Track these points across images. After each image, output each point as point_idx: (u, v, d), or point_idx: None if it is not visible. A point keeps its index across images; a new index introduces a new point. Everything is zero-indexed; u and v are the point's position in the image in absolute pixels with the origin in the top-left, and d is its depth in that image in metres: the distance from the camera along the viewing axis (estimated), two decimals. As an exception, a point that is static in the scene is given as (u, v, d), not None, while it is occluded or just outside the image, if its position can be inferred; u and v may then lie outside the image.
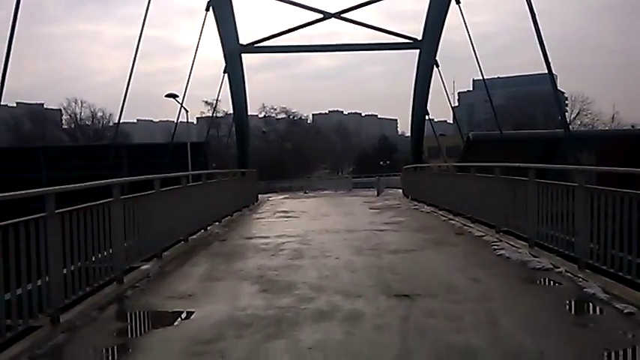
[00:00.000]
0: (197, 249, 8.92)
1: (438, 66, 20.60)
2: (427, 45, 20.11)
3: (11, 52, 14.14)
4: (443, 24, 19.24)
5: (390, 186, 31.18)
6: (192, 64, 18.25)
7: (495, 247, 8.25)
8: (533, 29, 14.39)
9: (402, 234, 10.31)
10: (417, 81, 21.11)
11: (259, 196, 25.11)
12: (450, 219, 12.10)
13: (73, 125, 72.36)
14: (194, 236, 9.97)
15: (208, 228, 11.01)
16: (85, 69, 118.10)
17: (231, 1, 18.76)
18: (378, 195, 24.97)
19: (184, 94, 21.16)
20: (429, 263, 7.44)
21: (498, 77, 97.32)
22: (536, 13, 14.16)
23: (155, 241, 7.75)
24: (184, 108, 27.27)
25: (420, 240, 9.30)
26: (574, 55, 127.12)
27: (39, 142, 51.98)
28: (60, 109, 73.77)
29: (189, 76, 20.07)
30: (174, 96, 25.38)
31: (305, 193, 34.00)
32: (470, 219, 11.10)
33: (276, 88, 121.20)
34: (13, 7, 13.98)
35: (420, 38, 20.33)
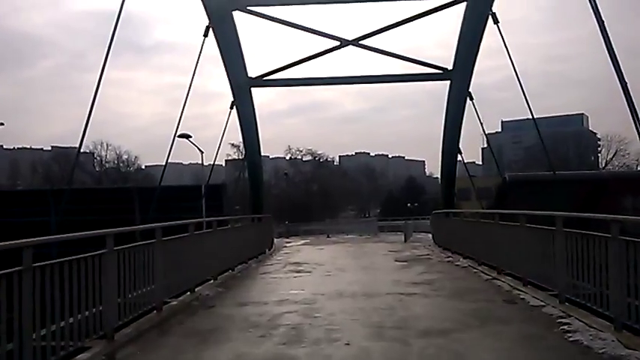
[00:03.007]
0: (170, 323, 6.93)
1: (472, 98, 18.37)
2: (459, 75, 18.00)
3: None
4: (477, 49, 17.10)
5: (419, 230, 28.98)
6: (186, 98, 16.59)
7: (565, 327, 6.05)
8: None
9: (435, 301, 8.15)
10: (447, 116, 18.92)
11: (277, 241, 23.28)
12: (494, 278, 9.88)
13: (100, 169, 72.35)
14: (173, 302, 8.01)
15: (197, 289, 9.02)
16: (119, 115, 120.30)
17: (235, 28, 17.07)
18: (405, 241, 22.77)
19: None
20: (477, 356, 5.29)
21: (528, 118, 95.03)
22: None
23: (107, 316, 5.82)
24: (200, 149, 25.88)
25: (458, 312, 7.14)
26: (607, 96, 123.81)
27: (58, 186, 51.51)
28: (90, 153, 73.92)
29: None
30: (187, 136, 23.85)
31: (328, 237, 32.04)
32: (521, 280, 8.88)
33: (303, 132, 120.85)
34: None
35: (450, 68, 18.26)
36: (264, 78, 18.55)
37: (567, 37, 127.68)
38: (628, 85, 11.50)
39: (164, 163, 20.74)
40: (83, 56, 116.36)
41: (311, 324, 6.54)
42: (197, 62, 16.39)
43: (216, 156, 20.46)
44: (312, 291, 9.01)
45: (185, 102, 16.49)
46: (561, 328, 6.04)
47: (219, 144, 19.63)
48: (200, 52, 16.60)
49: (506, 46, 15.68)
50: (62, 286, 5.18)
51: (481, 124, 19.13)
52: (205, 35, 16.91)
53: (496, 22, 15.77)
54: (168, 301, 8.04)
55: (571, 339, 5.62)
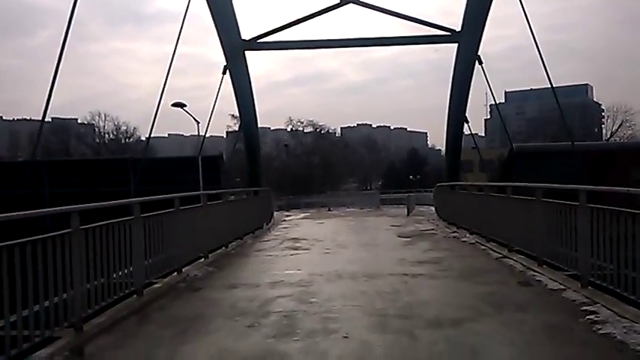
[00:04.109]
0: (150, 308, 6.26)
1: (481, 62, 17.08)
2: (467, 37, 16.79)
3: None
4: (489, 8, 15.85)
5: (421, 202, 28.30)
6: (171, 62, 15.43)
7: (592, 316, 5.34)
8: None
9: (443, 283, 7.45)
10: (454, 82, 17.76)
11: (276, 214, 22.59)
12: (505, 256, 9.18)
13: (100, 140, 71.53)
14: (157, 284, 7.33)
15: (185, 269, 8.34)
16: (120, 85, 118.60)
17: None
18: (408, 215, 22.09)
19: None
20: (495, 354, 4.60)
21: (531, 89, 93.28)
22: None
23: (73, 304, 5.13)
24: (195, 119, 24.99)
25: (469, 297, 6.44)
26: (614, 66, 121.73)
27: (55, 157, 50.66)
28: (90, 124, 72.82)
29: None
30: (181, 105, 23.00)
31: (329, 210, 31.42)
32: (535, 260, 8.18)
33: (305, 103, 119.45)
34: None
35: (458, 29, 17.07)
36: (259, 40, 17.39)
37: (571, 5, 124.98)
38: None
39: (149, 134, 19.87)
40: (83, 24, 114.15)
41: (306, 311, 5.84)
42: (182, 23, 15.24)
43: (208, 125, 19.51)
44: (309, 271, 8.32)
45: (170, 67, 15.45)
46: (587, 317, 5.34)
47: (211, 112, 18.57)
48: (186, 10, 15.44)
49: (523, 8, 14.55)
50: (24, 269, 4.51)
51: (490, 90, 18.07)
52: None
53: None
54: (154, 282, 7.40)
55: (601, 331, 4.93)
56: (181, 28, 15.21)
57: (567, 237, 7.16)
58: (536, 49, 14.91)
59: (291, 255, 10.39)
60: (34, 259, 4.60)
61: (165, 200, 8.30)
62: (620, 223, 5.71)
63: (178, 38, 15.21)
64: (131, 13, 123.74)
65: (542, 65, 15.07)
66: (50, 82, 12.71)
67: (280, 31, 17.07)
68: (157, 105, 15.74)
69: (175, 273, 8.03)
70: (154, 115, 16.03)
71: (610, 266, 6.08)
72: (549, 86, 16.76)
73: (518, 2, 14.91)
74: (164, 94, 15.89)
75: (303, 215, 24.56)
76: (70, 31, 12.06)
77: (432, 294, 6.68)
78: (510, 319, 5.52)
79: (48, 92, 12.88)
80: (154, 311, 6.16)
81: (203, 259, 9.41)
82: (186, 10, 15.21)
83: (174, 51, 15.41)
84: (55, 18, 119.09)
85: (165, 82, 15.32)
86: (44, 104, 12.96)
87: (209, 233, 9.96)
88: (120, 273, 6.26)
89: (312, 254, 10.51)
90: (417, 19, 17.36)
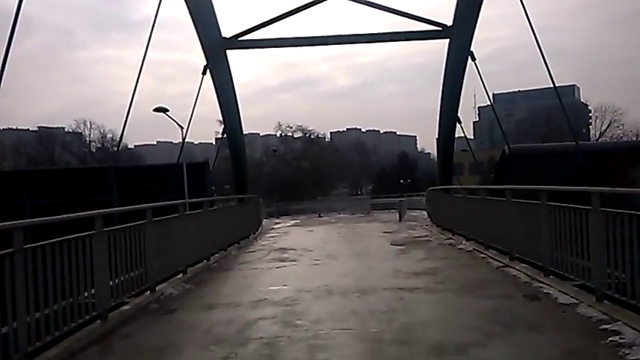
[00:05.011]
0: (114, 337, 5.51)
1: (474, 59, 16.28)
2: (459, 32, 16.06)
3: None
4: (481, 1, 15.26)
5: (413, 207, 27.70)
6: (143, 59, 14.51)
7: (615, 337, 4.69)
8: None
9: (442, 298, 6.76)
10: (445, 80, 17.00)
11: (265, 222, 21.86)
12: (507, 265, 8.54)
13: (86, 149, 70.34)
14: (126, 306, 6.59)
15: (159, 287, 7.60)
16: (109, 93, 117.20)
17: None
18: (400, 220, 21.44)
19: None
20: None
21: (519, 90, 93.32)
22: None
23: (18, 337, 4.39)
24: (179, 125, 24.21)
25: (473, 315, 5.76)
26: (602, 68, 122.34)
27: (41, 166, 49.44)
28: (76, 133, 71.58)
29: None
30: (164, 110, 22.22)
31: (319, 216, 30.80)
32: (540, 269, 7.54)
33: (294, 108, 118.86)
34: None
35: (449, 24, 16.34)
36: (241, 38, 16.52)
37: (558, 8, 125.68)
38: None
39: (119, 140, 19.07)
40: (71, 34, 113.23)
41: (290, 337, 5.13)
42: (155, 17, 14.43)
43: (187, 129, 18.67)
44: (295, 286, 7.61)
45: (140, 70, 14.66)
46: (610, 339, 4.68)
47: (191, 115, 17.79)
48: (158, 5, 14.58)
49: (524, 7, 13.92)
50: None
51: (484, 86, 17.23)
52: None
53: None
54: (126, 301, 6.68)
55: (629, 357, 4.27)
56: (153, 25, 14.37)
57: (577, 244, 6.52)
58: (537, 47, 14.30)
59: (278, 268, 9.67)
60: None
61: (139, 211, 7.58)
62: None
63: (150, 38, 14.41)
64: (119, 20, 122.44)
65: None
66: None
67: (263, 27, 16.22)
68: (127, 109, 14.88)
69: (148, 292, 7.30)
70: (124, 119, 15.20)
71: (625, 276, 5.45)
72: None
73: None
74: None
75: (292, 222, 23.87)
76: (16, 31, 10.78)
77: (431, 312, 5.99)
78: (523, 341, 4.85)
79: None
80: (118, 339, 5.43)
81: (181, 275, 8.68)
82: (158, 7, 14.41)
83: (145, 53, 14.61)
84: (41, 27, 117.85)
85: (136, 85, 14.55)
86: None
87: (188, 246, 9.23)
88: (80, 296, 5.51)
89: (300, 266, 9.79)
90: (406, 13, 16.53)
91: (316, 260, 10.35)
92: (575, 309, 5.76)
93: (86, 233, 5.71)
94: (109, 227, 6.43)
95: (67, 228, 5.44)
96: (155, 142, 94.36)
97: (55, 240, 5.03)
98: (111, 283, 6.21)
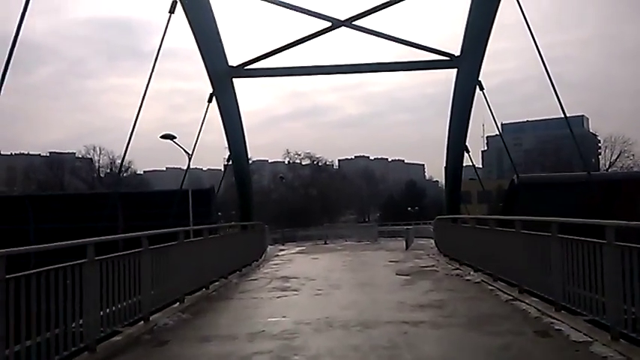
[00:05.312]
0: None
1: (482, 88, 16.08)
2: (467, 61, 15.99)
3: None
4: (489, 31, 15.11)
5: (420, 235, 27.32)
6: (149, 81, 14.54)
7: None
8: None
9: (449, 333, 6.43)
10: (453, 110, 16.87)
11: (270, 248, 21.58)
12: (516, 299, 8.19)
13: (95, 175, 70.66)
14: (117, 337, 6.31)
15: (153, 317, 7.33)
16: (120, 120, 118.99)
17: (210, 5, 14.96)
18: (407, 248, 21.09)
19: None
20: None
21: (527, 120, 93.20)
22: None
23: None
24: (186, 151, 24.18)
25: (481, 353, 5.44)
26: (611, 99, 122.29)
27: (49, 191, 49.56)
28: (86, 158, 72.06)
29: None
30: (171, 137, 22.19)
31: (325, 243, 30.45)
32: (551, 304, 7.20)
33: (303, 137, 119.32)
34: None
35: (457, 54, 16.28)
36: (247, 67, 16.50)
37: (565, 40, 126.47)
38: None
39: (120, 165, 18.98)
40: (83, 63, 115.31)
41: (285, 375, 4.84)
42: (162, 40, 14.26)
43: (191, 155, 18.48)
44: (295, 318, 7.31)
45: (143, 98, 14.56)
46: (628, 382, 4.35)
47: (196, 141, 17.57)
48: (165, 29, 14.21)
49: (533, 38, 13.82)
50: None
51: (493, 115, 16.85)
52: (171, 12, 14.01)
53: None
54: (118, 330, 6.41)
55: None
56: (158, 52, 14.30)
57: (591, 279, 6.21)
58: (546, 77, 14.07)
59: (278, 297, 9.37)
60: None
61: (135, 239, 7.37)
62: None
63: (154, 65, 14.30)
64: (130, 50, 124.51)
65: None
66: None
67: (270, 56, 16.21)
68: (129, 134, 14.76)
69: (142, 322, 7.03)
70: (126, 143, 15.02)
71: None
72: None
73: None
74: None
75: (297, 249, 23.56)
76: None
77: (436, 349, 5.67)
78: (533, 384, 4.53)
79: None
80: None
81: (178, 304, 8.40)
82: (166, 27, 14.25)
83: (149, 80, 14.47)
84: (53, 55, 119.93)
85: (139, 112, 14.44)
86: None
87: (186, 274, 8.96)
88: (68, 327, 5.27)
89: (302, 296, 9.48)
90: (414, 43, 16.52)
91: (319, 290, 10.04)
92: (588, 348, 5.43)
93: (76, 262, 5.48)
94: (113, 254, 6.29)
95: (73, 254, 5.42)
96: (164, 169, 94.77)
97: (41, 269, 4.82)
98: (101, 312, 5.95)
